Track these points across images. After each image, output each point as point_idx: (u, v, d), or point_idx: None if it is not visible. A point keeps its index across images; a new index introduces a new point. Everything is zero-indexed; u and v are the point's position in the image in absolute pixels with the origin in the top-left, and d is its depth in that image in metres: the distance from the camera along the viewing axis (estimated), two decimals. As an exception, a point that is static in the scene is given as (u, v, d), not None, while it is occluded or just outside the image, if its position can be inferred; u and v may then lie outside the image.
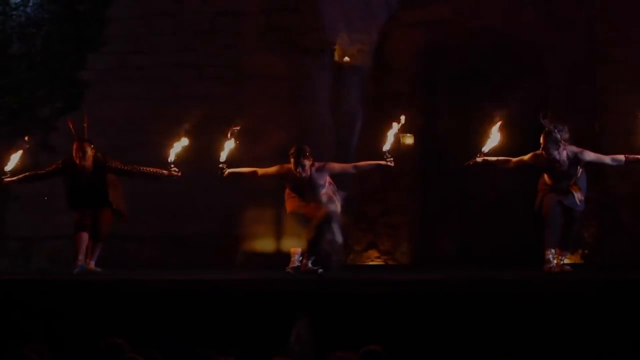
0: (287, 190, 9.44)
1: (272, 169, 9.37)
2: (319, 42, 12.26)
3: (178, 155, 9.54)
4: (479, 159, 8.97)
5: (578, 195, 8.88)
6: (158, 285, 8.56)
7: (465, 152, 9.20)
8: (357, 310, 7.84)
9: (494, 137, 8.88)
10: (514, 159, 9.00)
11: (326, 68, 12.24)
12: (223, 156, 9.31)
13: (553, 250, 8.89)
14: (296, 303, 7.93)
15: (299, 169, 9.11)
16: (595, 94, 11.99)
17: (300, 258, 9.23)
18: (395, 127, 9.06)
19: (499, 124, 8.87)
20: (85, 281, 8.97)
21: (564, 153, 8.71)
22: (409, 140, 9.27)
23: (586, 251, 11.69)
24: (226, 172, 9.30)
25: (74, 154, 9.50)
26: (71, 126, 9.66)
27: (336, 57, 12.30)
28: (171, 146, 9.52)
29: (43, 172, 9.87)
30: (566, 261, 9.18)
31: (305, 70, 12.25)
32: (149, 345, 6.25)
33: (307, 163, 9.12)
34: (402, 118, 9.12)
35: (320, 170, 9.21)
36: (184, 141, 9.54)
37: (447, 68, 12.42)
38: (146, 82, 12.63)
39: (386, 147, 8.99)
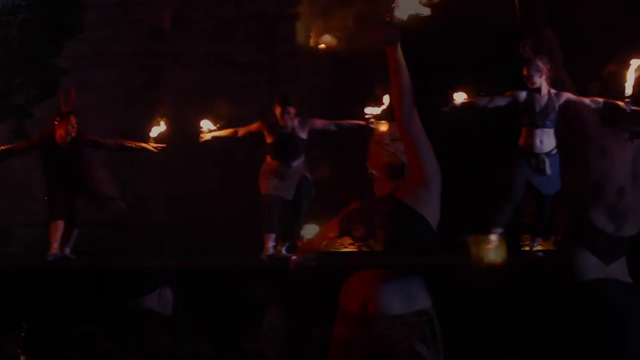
0: (263, 168, 9.38)
1: (253, 125, 9.33)
2: (294, 29, 12.27)
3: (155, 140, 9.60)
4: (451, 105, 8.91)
5: (548, 169, 8.80)
6: (132, 273, 8.57)
7: (444, 138, 9.21)
8: (330, 297, 7.87)
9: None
10: (493, 98, 8.92)
11: (302, 55, 12.25)
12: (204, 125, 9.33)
13: (500, 230, 8.71)
14: (269, 290, 7.97)
15: (285, 116, 9.08)
16: (573, 80, 12.01)
17: (275, 244, 9.24)
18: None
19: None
20: (59, 268, 8.98)
21: (545, 82, 8.72)
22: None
23: (559, 238, 11.72)
24: (205, 137, 9.30)
25: (64, 127, 9.41)
26: (62, 99, 9.63)
27: (311, 44, 12.30)
28: (148, 132, 9.55)
29: (19, 147, 9.82)
30: (538, 247, 9.22)
31: (280, 57, 12.27)
32: (122, 333, 6.27)
33: (292, 111, 9.11)
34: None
35: (303, 123, 9.20)
36: (161, 127, 9.57)
37: (425, 55, 12.39)
38: (122, 70, 12.64)
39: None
